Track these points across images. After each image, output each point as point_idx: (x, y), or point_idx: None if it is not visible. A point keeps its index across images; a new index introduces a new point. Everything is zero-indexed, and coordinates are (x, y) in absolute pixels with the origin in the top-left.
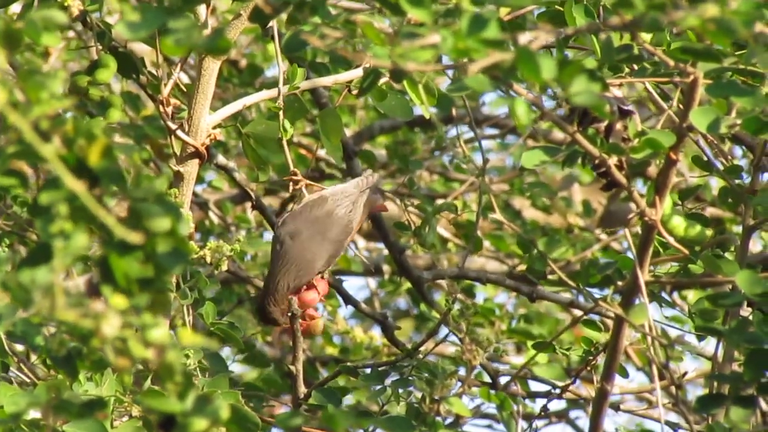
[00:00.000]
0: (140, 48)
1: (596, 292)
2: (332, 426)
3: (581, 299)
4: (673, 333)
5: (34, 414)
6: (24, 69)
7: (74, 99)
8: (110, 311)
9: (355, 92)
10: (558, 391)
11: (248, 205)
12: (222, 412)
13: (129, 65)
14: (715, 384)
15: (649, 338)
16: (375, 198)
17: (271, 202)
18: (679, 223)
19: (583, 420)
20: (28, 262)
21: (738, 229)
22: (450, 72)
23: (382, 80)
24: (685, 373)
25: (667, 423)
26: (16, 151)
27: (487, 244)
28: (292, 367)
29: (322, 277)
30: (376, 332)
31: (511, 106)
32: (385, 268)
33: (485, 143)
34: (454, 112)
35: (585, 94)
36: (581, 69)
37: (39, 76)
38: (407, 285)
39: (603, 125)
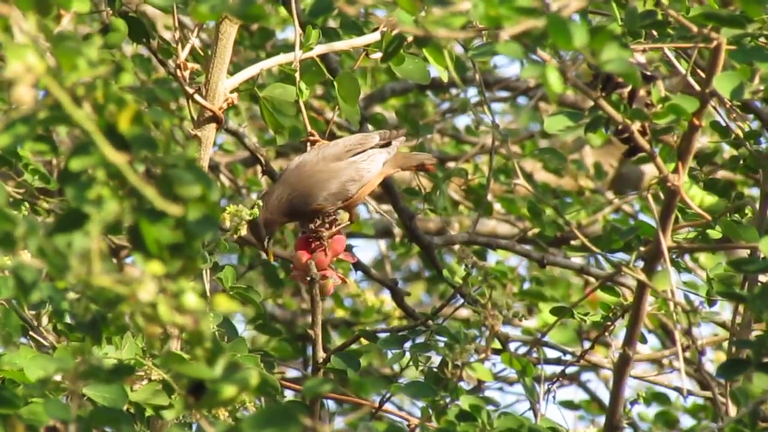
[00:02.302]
0: (152, 12)
1: (613, 257)
2: (360, 392)
3: (592, 264)
4: (692, 298)
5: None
6: (56, 35)
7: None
8: (146, 277)
9: (373, 56)
10: (569, 357)
11: (259, 168)
12: (251, 379)
13: (139, 29)
14: (733, 350)
15: (671, 304)
16: (423, 157)
17: (282, 164)
18: (696, 194)
19: (594, 383)
20: (61, 229)
21: (750, 191)
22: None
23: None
24: (697, 339)
25: (678, 389)
26: (48, 116)
27: (498, 206)
28: (310, 332)
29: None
30: (387, 295)
31: (542, 74)
32: (396, 231)
33: (497, 106)
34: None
35: (616, 62)
36: (612, 36)
37: (72, 42)
38: (418, 247)
39: (626, 91)
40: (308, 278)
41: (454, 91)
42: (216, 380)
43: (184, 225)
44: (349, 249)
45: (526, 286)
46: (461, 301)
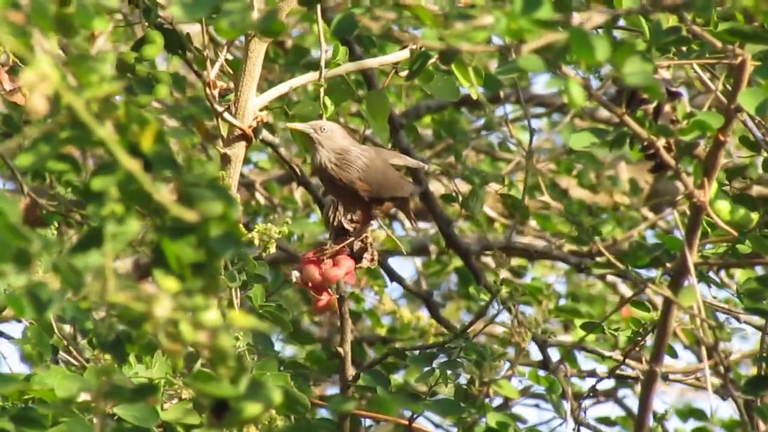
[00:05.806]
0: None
1: (645, 273)
2: (383, 410)
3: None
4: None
5: (83, 396)
6: (74, 54)
7: (124, 81)
8: (162, 294)
9: (402, 74)
10: (605, 368)
11: (294, 184)
12: (275, 397)
13: (175, 42)
14: (764, 365)
15: (698, 320)
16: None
17: (315, 180)
18: (724, 207)
19: (631, 399)
20: (80, 247)
21: None
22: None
23: (430, 62)
24: (730, 353)
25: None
26: (69, 135)
27: (533, 223)
28: (340, 349)
29: (354, 258)
30: (423, 312)
31: (566, 87)
32: (432, 248)
33: (532, 122)
34: (501, 93)
35: (638, 75)
36: (634, 50)
37: (89, 61)
38: (454, 264)
39: (651, 107)
40: (336, 296)
41: (492, 108)
42: (239, 398)
43: (206, 243)
44: (384, 260)
45: (562, 302)
46: (495, 316)
